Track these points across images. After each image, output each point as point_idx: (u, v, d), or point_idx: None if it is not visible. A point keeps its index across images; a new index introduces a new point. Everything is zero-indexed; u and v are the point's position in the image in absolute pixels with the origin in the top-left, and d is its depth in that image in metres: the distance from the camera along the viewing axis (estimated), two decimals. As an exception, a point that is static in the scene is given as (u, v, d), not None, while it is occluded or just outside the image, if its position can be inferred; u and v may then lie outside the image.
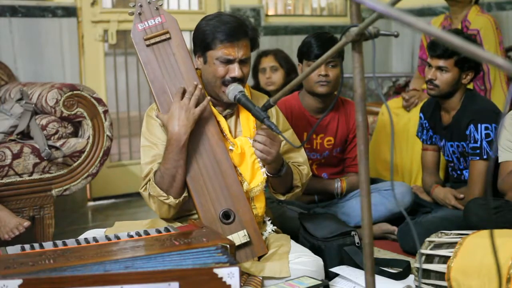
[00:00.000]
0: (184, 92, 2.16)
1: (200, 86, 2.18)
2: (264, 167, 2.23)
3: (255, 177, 2.22)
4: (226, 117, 2.28)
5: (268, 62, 3.82)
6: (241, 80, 2.20)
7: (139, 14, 2.21)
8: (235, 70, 2.18)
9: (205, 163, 2.19)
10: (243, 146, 2.22)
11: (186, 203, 2.21)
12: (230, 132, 2.27)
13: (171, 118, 2.12)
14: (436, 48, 2.76)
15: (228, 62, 2.18)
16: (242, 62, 2.20)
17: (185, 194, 2.18)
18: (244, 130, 2.27)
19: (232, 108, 2.30)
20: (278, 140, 2.16)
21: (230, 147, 2.22)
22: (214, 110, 2.25)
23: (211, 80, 2.22)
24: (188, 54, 2.25)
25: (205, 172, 2.18)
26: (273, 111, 2.38)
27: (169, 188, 2.14)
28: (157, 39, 2.21)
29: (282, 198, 2.35)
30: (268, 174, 2.23)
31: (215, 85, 2.22)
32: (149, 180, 2.17)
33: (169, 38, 2.22)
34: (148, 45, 2.21)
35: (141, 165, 2.24)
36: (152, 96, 2.24)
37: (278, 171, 2.22)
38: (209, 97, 2.20)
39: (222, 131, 2.24)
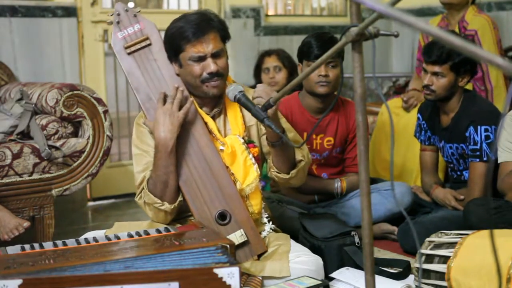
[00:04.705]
0: (165, 97, 2.16)
1: (181, 88, 2.17)
2: (256, 163, 2.21)
3: (248, 174, 2.21)
4: (214, 117, 2.27)
5: (271, 62, 3.81)
6: (219, 74, 2.18)
7: (118, 22, 2.21)
8: (210, 65, 2.16)
9: (196, 166, 2.19)
10: (233, 144, 2.21)
11: (183, 206, 2.21)
12: (219, 131, 2.25)
13: (156, 124, 2.11)
14: (431, 54, 2.75)
15: (201, 59, 2.16)
16: (215, 55, 2.18)
17: (180, 198, 2.18)
18: (233, 129, 2.26)
19: (219, 106, 2.28)
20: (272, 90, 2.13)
21: (221, 147, 2.21)
22: (201, 111, 2.25)
23: (191, 81, 2.21)
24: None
25: (197, 175, 2.18)
26: None
27: (163, 195, 2.14)
28: (138, 46, 2.22)
29: (287, 176, 2.24)
30: (271, 143, 2.15)
31: (196, 85, 2.20)
32: (143, 188, 2.17)
33: (150, 44, 2.23)
34: (129, 53, 2.21)
35: (134, 174, 2.24)
36: (138, 104, 2.24)
37: (279, 137, 2.11)
38: (192, 98, 2.19)
39: (210, 132, 2.23)
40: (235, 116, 2.26)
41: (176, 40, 2.17)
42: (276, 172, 2.26)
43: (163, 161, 2.11)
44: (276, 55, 3.84)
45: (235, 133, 2.25)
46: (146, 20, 2.25)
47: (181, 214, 2.28)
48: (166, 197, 2.14)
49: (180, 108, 2.14)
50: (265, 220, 2.30)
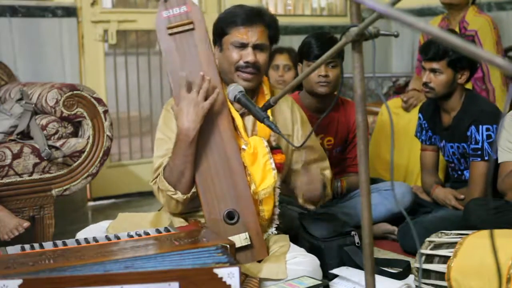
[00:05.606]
0: (189, 84, 2.09)
1: (208, 78, 2.09)
2: (275, 169, 2.18)
3: (266, 179, 2.17)
4: (243, 115, 2.23)
5: (282, 60, 3.75)
6: (255, 67, 2.16)
7: (165, 0, 2.16)
8: (249, 55, 2.15)
9: (215, 159, 2.14)
10: (256, 145, 2.17)
11: (195, 200, 2.17)
12: (246, 131, 2.21)
13: (180, 113, 2.06)
14: (428, 51, 2.75)
15: (242, 46, 2.16)
16: (257, 48, 2.17)
17: (193, 190, 2.14)
18: (260, 130, 2.22)
19: None
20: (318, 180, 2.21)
21: (243, 146, 2.16)
22: (231, 106, 2.20)
23: (226, 67, 2.19)
24: (210, 48, 2.19)
25: (214, 169, 2.13)
26: (297, 114, 2.37)
27: (177, 184, 2.10)
28: (180, 28, 2.15)
29: (313, 207, 2.33)
30: (312, 206, 2.28)
31: (230, 72, 2.18)
32: (159, 174, 2.14)
33: (193, 29, 2.17)
34: (170, 34, 2.15)
35: (153, 158, 2.21)
36: (170, 87, 2.18)
37: (319, 200, 2.27)
38: (218, 89, 2.12)
39: (236, 129, 2.19)
40: None
41: (224, 22, 2.18)
42: (303, 203, 2.31)
43: (183, 150, 2.07)
44: (287, 54, 3.77)
45: (261, 135, 2.20)
46: (194, 4, 2.19)
47: (190, 210, 2.24)
48: (180, 186, 2.10)
49: (206, 98, 2.08)
50: (273, 227, 2.26)
